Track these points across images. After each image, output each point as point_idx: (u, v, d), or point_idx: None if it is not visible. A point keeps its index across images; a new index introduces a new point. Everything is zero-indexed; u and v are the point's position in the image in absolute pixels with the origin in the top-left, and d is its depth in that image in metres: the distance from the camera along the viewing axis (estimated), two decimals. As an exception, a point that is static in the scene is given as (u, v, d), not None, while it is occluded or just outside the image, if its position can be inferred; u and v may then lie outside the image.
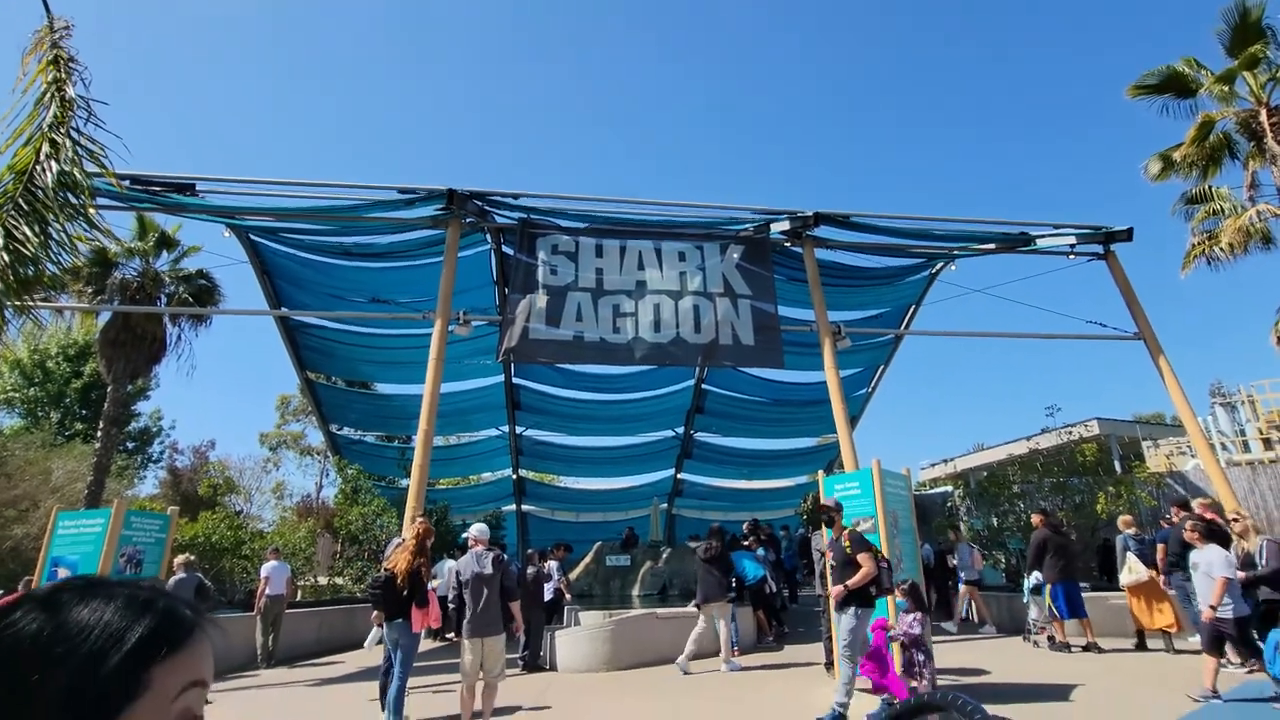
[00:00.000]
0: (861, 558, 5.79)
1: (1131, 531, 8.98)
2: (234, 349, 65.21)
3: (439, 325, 9.25)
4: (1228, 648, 6.12)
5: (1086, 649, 8.62)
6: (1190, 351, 75.85)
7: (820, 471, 8.47)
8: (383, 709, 5.69)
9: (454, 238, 9.86)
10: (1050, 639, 8.99)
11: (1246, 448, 16.74)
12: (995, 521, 12.81)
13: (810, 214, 10.57)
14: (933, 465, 21.01)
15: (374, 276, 11.98)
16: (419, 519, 6.94)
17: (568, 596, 10.54)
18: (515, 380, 14.92)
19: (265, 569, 10.32)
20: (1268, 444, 16.42)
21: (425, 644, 6.91)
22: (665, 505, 18.83)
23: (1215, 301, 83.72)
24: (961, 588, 11.30)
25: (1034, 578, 9.19)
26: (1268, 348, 15.22)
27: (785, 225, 10.81)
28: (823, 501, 6.55)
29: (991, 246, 12.15)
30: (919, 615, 5.39)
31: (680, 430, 17.11)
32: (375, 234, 11.10)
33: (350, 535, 13.54)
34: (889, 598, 6.23)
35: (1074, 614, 8.80)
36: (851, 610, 5.69)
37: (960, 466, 19.56)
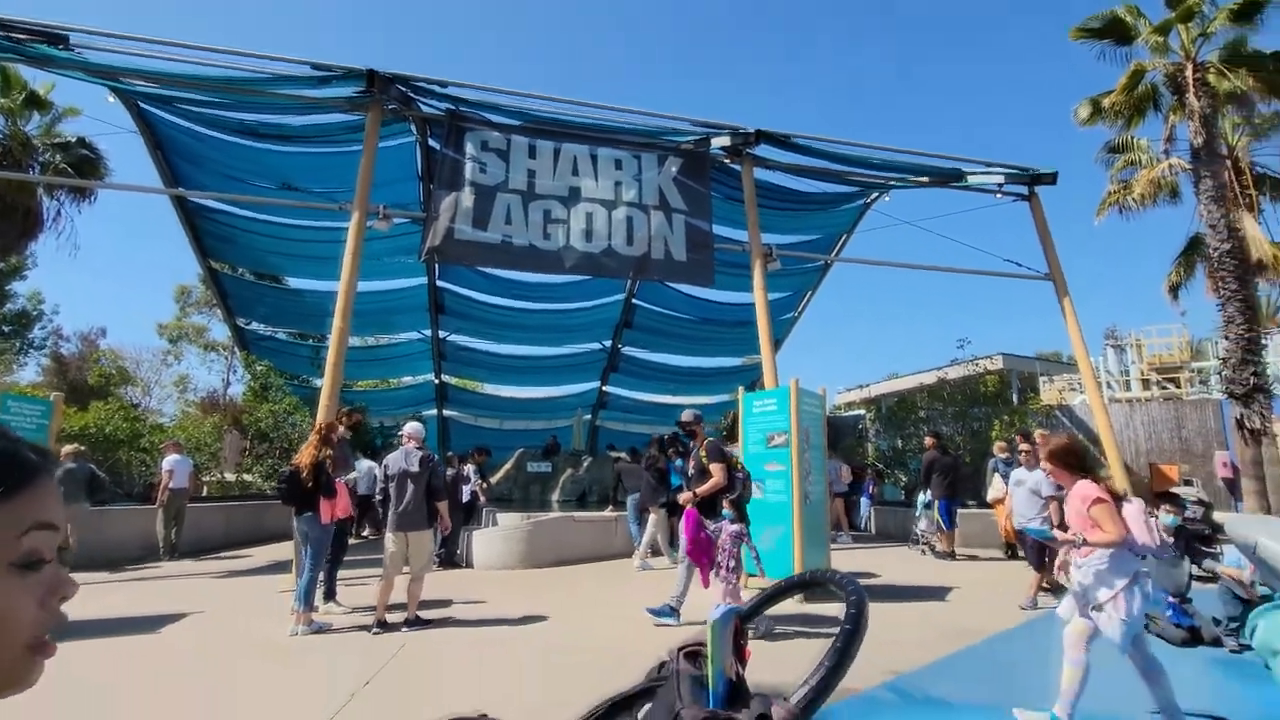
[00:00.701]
0: (714, 468, 5.71)
1: (1003, 456, 10.05)
2: (126, 231, 60.07)
3: (356, 218, 8.80)
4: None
5: (950, 555, 9.81)
6: (1093, 294, 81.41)
7: (741, 388, 8.82)
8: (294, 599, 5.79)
9: (374, 124, 9.24)
10: (933, 548, 10.01)
11: (1128, 387, 18.51)
12: (900, 444, 13.79)
13: (752, 131, 10.46)
14: (849, 390, 22.20)
15: (285, 161, 11.15)
16: (345, 411, 6.86)
17: (483, 499, 10.79)
18: (439, 283, 14.52)
19: (167, 462, 10.04)
20: (1146, 384, 18.20)
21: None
22: (589, 416, 19.21)
23: (1123, 247, 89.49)
24: (836, 500, 12.49)
25: (925, 494, 10.16)
26: (1162, 296, 16.53)
27: (726, 140, 10.68)
28: (682, 418, 6.67)
29: (925, 180, 12.44)
30: (740, 527, 5.54)
31: (608, 343, 17.26)
32: (287, 113, 10.25)
33: (260, 433, 13.22)
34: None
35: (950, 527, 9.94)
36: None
37: (875, 392, 20.77)
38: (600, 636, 5.53)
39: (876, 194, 13.41)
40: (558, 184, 9.98)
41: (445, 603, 6.73)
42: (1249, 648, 4.87)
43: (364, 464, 10.07)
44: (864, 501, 13.06)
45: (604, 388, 18.78)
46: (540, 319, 15.92)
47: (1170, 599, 5.46)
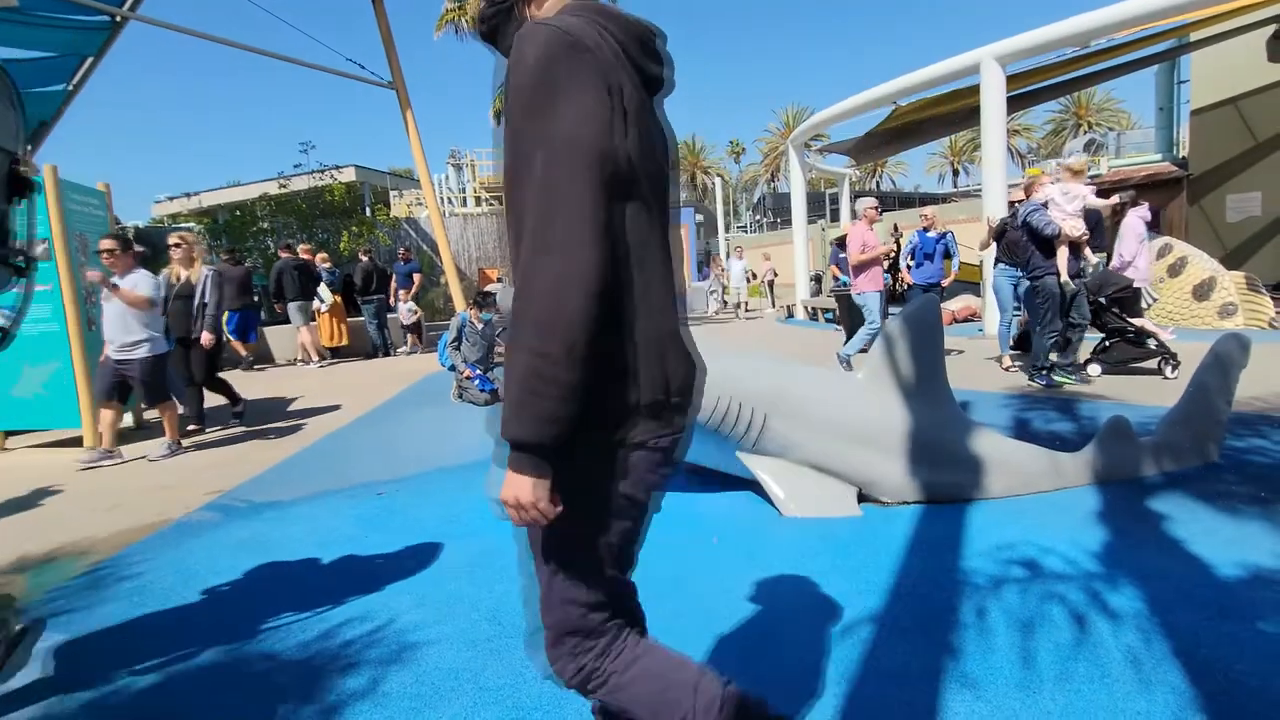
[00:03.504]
0: None
1: (327, 266, 11.11)
2: None
3: None
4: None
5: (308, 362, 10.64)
6: (444, 112, 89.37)
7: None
8: None
9: None
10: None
11: (465, 203, 21.39)
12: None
13: None
14: (172, 199, 18.65)
15: None
16: None
17: None
18: None
19: None
20: (479, 201, 21.37)
21: None
22: None
23: (467, 69, 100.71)
24: None
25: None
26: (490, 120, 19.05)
27: None
28: None
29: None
30: None
31: None
32: None
33: None
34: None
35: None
36: None
37: (207, 202, 18.07)
38: None
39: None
40: None
41: None
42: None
43: None
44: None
45: None
46: None
47: (479, 372, 6.62)
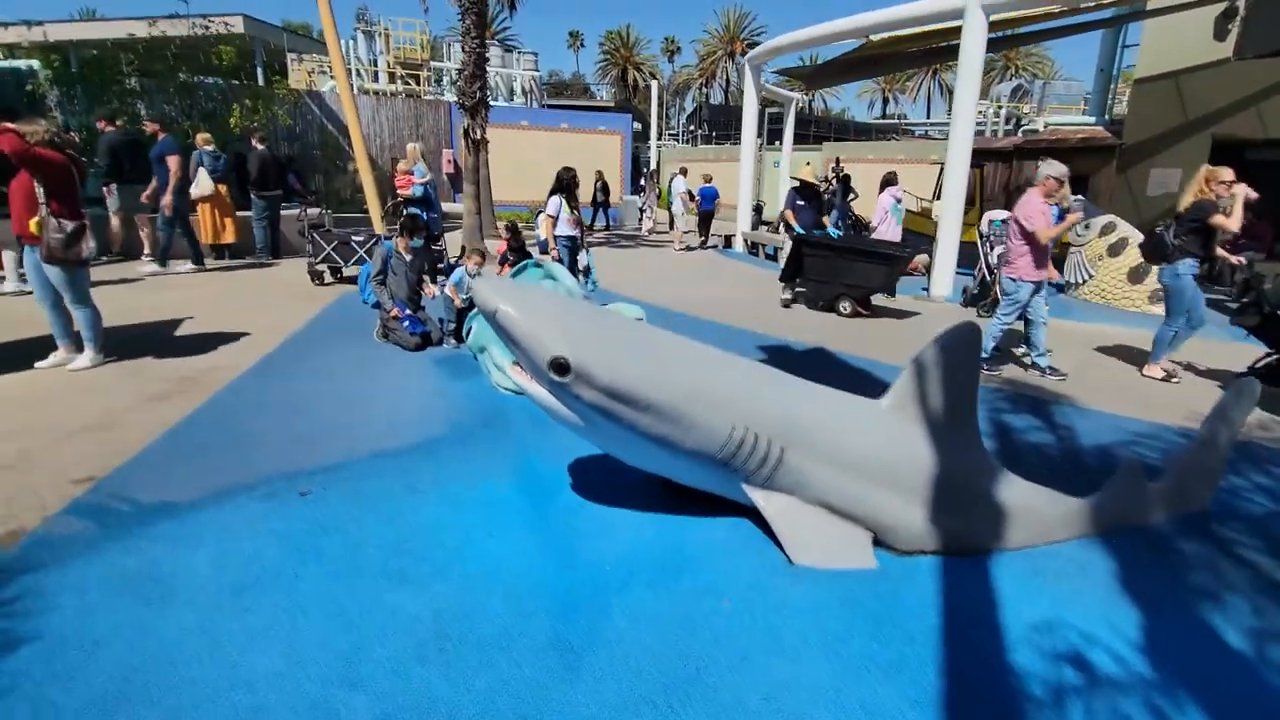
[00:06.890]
0: None
1: (210, 149, 9.69)
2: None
3: None
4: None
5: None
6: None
7: None
8: None
9: None
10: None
11: (377, 79, 19.00)
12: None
13: None
14: (6, 26, 15.17)
15: None
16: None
17: None
18: None
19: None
20: (392, 78, 19.03)
21: None
22: None
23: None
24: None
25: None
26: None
27: None
28: None
29: None
30: None
31: None
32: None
33: None
34: None
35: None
36: None
37: (55, 35, 14.78)
38: None
39: None
40: None
41: None
42: (465, 345, 5.64)
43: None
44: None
45: None
46: None
47: (408, 312, 5.81)
